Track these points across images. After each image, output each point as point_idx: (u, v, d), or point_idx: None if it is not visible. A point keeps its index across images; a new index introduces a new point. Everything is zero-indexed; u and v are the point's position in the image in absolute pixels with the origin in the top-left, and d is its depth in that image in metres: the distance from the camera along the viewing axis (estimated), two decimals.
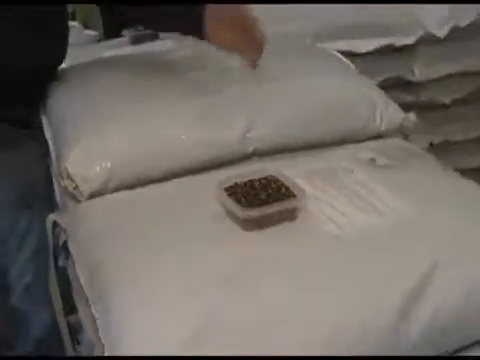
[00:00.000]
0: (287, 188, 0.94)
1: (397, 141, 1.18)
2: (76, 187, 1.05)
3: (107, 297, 0.83)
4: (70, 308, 1.09)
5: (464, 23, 1.80)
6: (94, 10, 2.38)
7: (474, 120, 1.98)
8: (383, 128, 1.18)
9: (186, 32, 1.25)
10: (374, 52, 1.73)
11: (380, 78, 1.71)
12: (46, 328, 1.31)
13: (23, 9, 1.20)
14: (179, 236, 0.91)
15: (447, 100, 1.87)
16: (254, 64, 1.14)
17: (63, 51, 1.36)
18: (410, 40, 1.81)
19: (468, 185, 1.03)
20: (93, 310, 0.85)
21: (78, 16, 2.79)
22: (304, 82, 1.20)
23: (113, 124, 1.11)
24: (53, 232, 1.11)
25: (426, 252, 0.84)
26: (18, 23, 1.22)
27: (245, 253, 0.86)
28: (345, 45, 1.61)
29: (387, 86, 1.64)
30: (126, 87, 1.21)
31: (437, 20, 1.79)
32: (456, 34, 1.80)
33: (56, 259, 1.11)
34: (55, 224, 1.09)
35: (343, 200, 0.96)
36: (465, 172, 1.10)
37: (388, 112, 1.19)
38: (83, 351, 1.04)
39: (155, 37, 1.76)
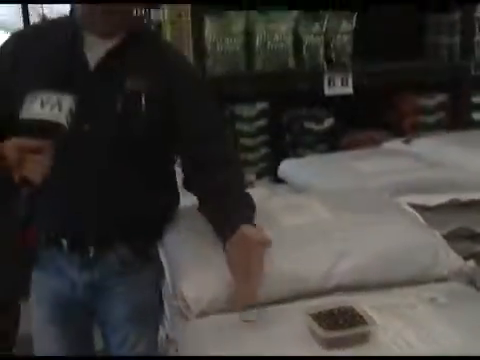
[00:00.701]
0: (361, 317, 1.16)
1: (458, 284, 1.38)
2: (187, 307, 1.30)
3: None
4: None
5: None
6: None
7: None
8: (445, 273, 1.39)
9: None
10: (444, 205, 1.94)
11: (449, 228, 1.91)
12: None
13: (145, 170, 1.56)
14: (273, 351, 1.13)
15: None
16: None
17: (174, 201, 1.70)
18: (478, 195, 2.01)
19: None
20: None
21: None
22: (377, 231, 1.45)
23: (219, 259, 1.37)
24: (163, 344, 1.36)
25: None
26: (141, 182, 1.57)
27: None
28: (418, 199, 1.85)
29: (455, 236, 1.86)
30: None
31: None
32: None
33: None
34: (167, 337, 1.34)
35: (407, 331, 1.16)
36: None
37: (449, 259, 1.40)
38: None
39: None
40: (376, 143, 2.76)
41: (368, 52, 2.96)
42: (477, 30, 3.17)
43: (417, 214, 1.63)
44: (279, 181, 2.43)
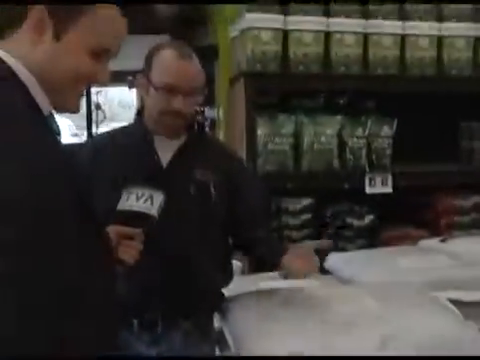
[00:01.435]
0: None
1: None
2: None
3: None
4: None
5: None
6: None
7: None
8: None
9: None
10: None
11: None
12: None
13: (210, 249, 1.82)
14: None
15: None
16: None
17: (230, 278, 1.95)
18: None
19: None
20: None
21: None
22: (419, 322, 1.64)
23: (277, 337, 1.57)
24: None
25: None
26: (205, 261, 1.83)
27: None
28: (455, 295, 2.02)
29: None
30: (289, 308, 1.71)
31: None
32: None
33: None
34: None
35: None
36: None
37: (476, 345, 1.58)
38: None
39: None
40: (413, 240, 2.96)
41: (407, 155, 3.20)
42: None
43: (455, 309, 1.80)
44: (323, 272, 2.62)
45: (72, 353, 1.08)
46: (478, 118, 3.48)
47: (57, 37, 1.15)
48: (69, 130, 9.37)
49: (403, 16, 3.20)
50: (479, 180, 3.32)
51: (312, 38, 3.09)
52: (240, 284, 2.19)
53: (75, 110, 1.27)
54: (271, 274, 2.17)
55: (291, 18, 3.05)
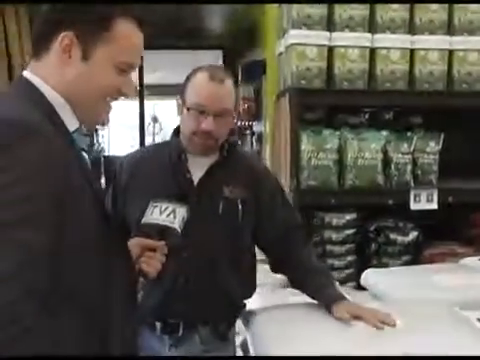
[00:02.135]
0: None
1: None
2: None
3: None
4: None
5: None
6: None
7: None
8: None
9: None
10: None
11: None
12: None
13: (235, 263, 1.91)
14: None
15: None
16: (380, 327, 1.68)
17: (252, 292, 2.02)
18: None
19: None
20: None
21: None
22: (441, 341, 1.64)
23: (300, 349, 1.61)
24: None
25: None
26: (229, 274, 1.91)
27: None
28: None
29: None
30: (313, 323, 1.75)
31: None
32: None
33: None
34: None
35: None
36: None
37: None
38: None
39: None
40: (458, 257, 2.92)
41: (453, 170, 3.16)
42: None
43: None
44: (362, 288, 2.63)
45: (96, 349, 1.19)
46: None
47: (86, 57, 1.24)
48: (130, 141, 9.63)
49: (450, 31, 3.18)
50: None
51: (357, 54, 3.11)
52: (272, 297, 2.25)
53: (104, 123, 1.37)
54: None
55: (336, 34, 3.09)
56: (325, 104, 3.27)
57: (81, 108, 1.27)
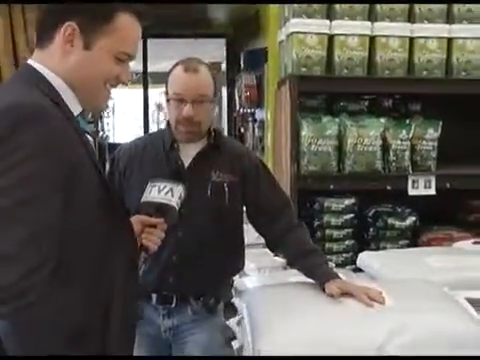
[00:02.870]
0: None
1: None
2: None
3: None
4: None
5: None
6: None
7: None
8: None
9: None
10: None
11: None
12: None
13: (224, 240, 2.04)
14: None
15: None
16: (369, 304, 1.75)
17: (241, 266, 2.17)
18: None
19: None
20: None
21: None
22: (428, 316, 1.71)
23: (295, 322, 1.70)
24: None
25: None
26: (219, 251, 2.05)
27: None
28: (474, 294, 2.07)
29: None
30: (308, 299, 1.84)
31: None
32: None
33: None
34: None
35: None
36: None
37: None
38: None
39: None
40: (454, 242, 2.99)
41: (451, 157, 3.23)
42: None
43: (469, 305, 1.86)
44: (359, 270, 2.70)
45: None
46: None
47: (87, 47, 1.32)
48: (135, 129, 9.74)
49: (449, 19, 3.23)
50: None
51: (357, 42, 3.16)
52: (273, 277, 2.33)
53: (104, 108, 1.47)
54: None
55: (336, 23, 3.14)
56: (325, 91, 3.33)
57: (82, 93, 1.35)
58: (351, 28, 3.16)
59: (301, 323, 1.70)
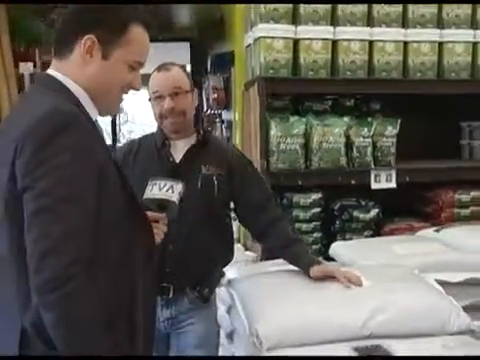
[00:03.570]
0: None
1: (465, 337, 1.81)
2: (261, 343, 1.77)
3: None
4: None
5: None
6: None
7: None
8: (455, 329, 1.82)
9: None
10: (464, 282, 2.36)
11: (472, 300, 2.32)
12: None
13: (215, 231, 2.18)
14: None
15: None
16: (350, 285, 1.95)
17: (231, 257, 2.30)
18: None
19: None
20: None
21: (241, 239, 3.76)
22: (405, 295, 1.91)
23: (286, 305, 1.85)
24: None
25: None
26: (211, 242, 2.18)
27: None
28: (442, 276, 2.28)
29: (475, 307, 2.27)
30: (295, 285, 2.00)
31: None
32: None
33: None
34: None
35: None
36: None
37: (459, 319, 1.84)
38: None
39: None
40: (415, 231, 3.21)
41: (410, 152, 3.46)
42: None
43: (439, 286, 2.07)
44: (329, 259, 2.88)
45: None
46: (477, 118, 3.74)
47: (105, 57, 1.45)
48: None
49: (405, 23, 3.46)
50: (477, 176, 3.56)
51: (320, 46, 3.36)
52: (253, 268, 2.49)
53: (118, 112, 1.60)
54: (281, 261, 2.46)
55: (301, 28, 3.32)
56: (291, 92, 3.51)
57: (100, 99, 1.47)
58: (315, 33, 3.34)
59: (293, 305, 1.87)
